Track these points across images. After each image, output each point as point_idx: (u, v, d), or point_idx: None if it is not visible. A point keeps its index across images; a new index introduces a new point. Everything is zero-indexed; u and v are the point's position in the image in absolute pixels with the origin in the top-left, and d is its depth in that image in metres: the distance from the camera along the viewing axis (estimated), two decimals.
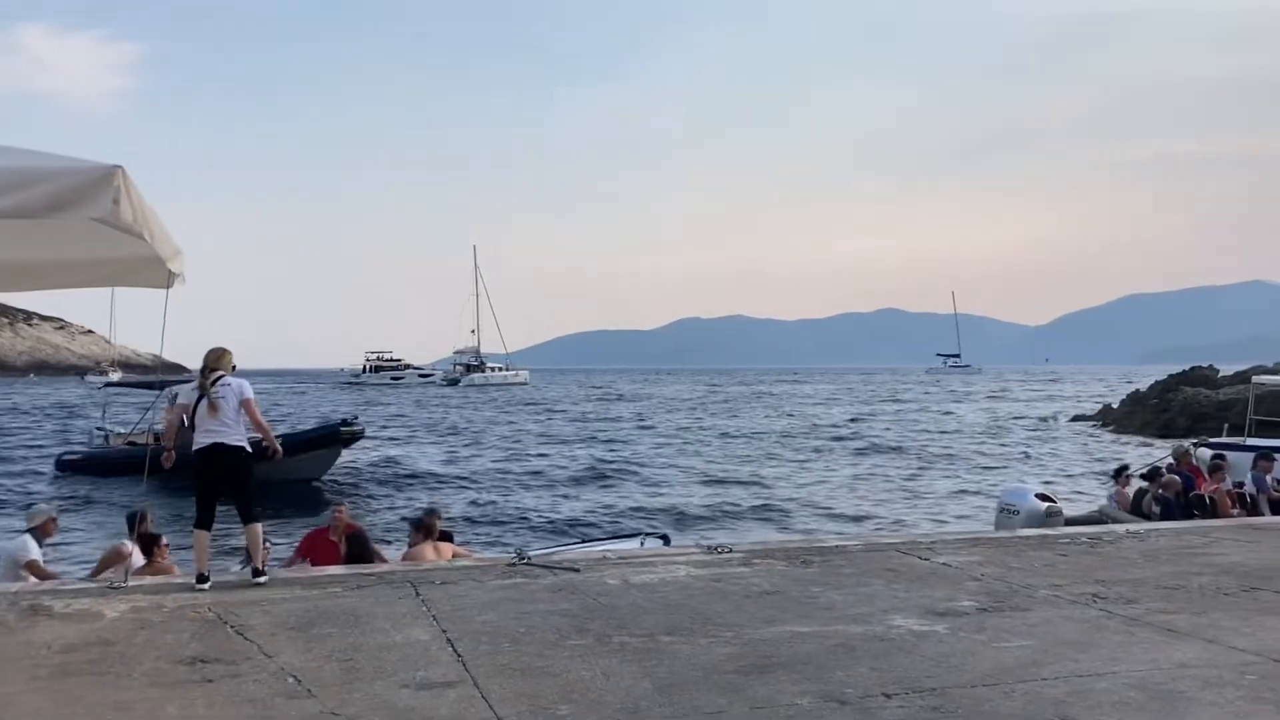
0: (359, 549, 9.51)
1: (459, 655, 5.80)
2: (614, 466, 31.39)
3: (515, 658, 5.75)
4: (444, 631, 6.32)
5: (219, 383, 7.69)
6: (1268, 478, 13.77)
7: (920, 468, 31.20)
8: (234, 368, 7.96)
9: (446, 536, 10.42)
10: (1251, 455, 14.85)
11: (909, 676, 5.37)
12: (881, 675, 5.40)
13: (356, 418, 28.43)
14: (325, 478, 25.50)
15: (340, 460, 26.84)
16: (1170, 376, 48.36)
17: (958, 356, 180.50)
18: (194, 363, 8.13)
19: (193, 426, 7.70)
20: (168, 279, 7.15)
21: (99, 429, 30.46)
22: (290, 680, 5.35)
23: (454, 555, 9.77)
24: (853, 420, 55.83)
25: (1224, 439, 20.07)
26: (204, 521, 7.71)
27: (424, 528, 9.66)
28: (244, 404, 7.70)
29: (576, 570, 8.14)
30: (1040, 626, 6.44)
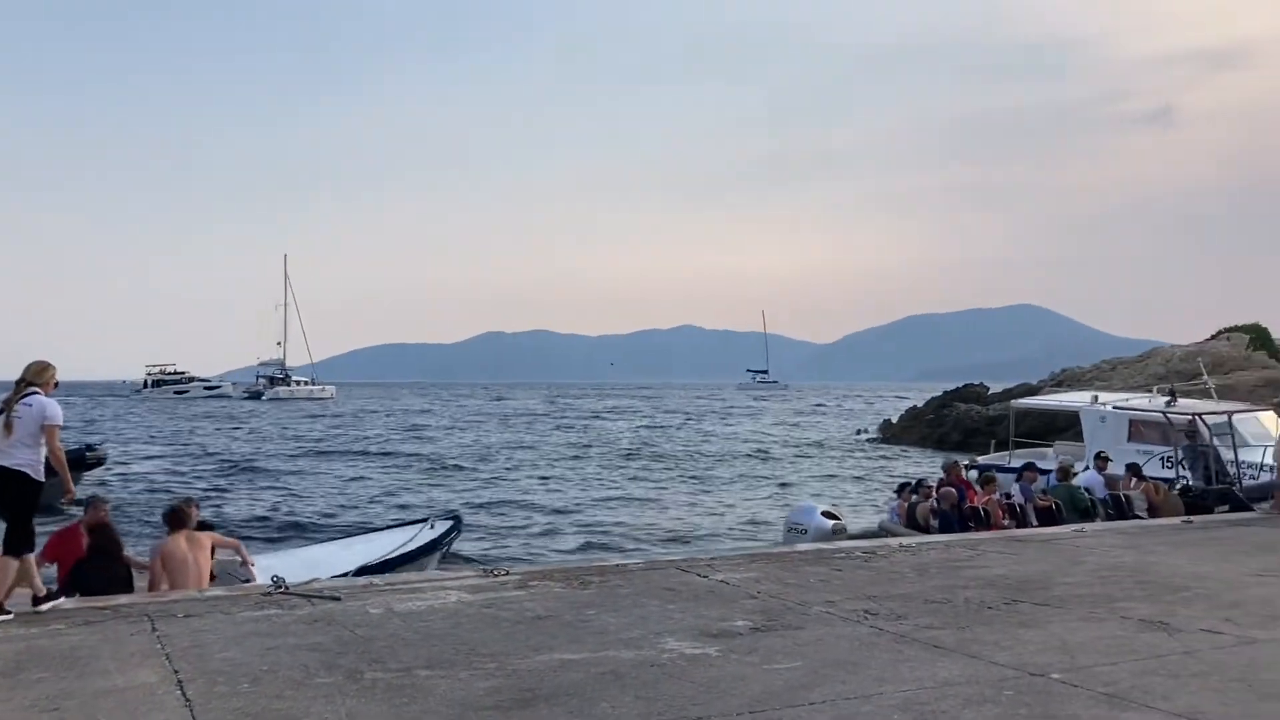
0: (103, 538, 8.64)
1: (187, 700, 5.20)
2: (410, 480, 30.47)
3: (251, 700, 5.20)
4: (176, 672, 5.69)
5: (22, 400, 7.03)
6: (1033, 487, 14.51)
7: (705, 483, 31.56)
8: (56, 384, 7.31)
9: (206, 527, 9.67)
10: (1014, 474, 15.73)
11: (675, 705, 5.14)
12: (648, 705, 5.15)
13: (103, 443, 28.72)
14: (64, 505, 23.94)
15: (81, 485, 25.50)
16: (945, 393, 50.99)
17: (766, 373, 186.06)
18: None
19: None
20: None
21: None
22: None
23: (214, 545, 9.06)
24: (649, 436, 56.36)
25: (990, 457, 21.36)
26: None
27: (176, 517, 8.88)
28: (45, 429, 7.02)
29: (338, 599, 7.58)
30: (811, 646, 6.36)
